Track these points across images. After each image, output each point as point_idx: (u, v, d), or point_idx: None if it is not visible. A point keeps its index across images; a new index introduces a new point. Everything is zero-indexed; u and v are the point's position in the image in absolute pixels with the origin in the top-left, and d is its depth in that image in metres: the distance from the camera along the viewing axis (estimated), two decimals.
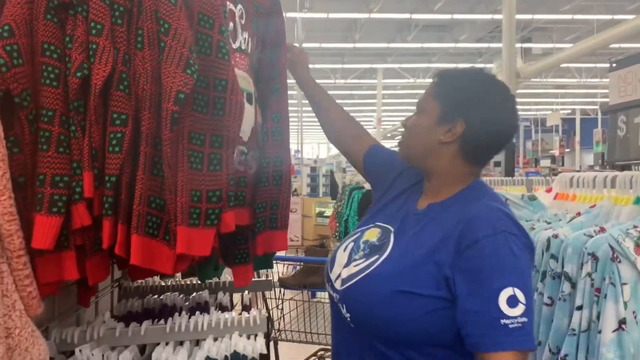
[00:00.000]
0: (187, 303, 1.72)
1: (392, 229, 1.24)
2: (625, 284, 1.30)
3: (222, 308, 1.71)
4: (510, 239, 1.08)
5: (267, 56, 1.49)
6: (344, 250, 1.28)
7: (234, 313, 1.42)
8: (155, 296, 1.73)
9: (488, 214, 1.12)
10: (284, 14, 1.55)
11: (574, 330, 1.41)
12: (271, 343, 3.68)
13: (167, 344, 1.25)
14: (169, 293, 1.75)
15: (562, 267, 1.52)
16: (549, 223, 1.76)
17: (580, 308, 1.41)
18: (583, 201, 1.77)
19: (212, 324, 1.31)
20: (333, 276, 1.25)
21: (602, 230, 1.47)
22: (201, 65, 1.10)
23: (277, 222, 1.46)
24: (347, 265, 1.23)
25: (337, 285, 1.22)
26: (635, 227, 1.31)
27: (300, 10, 11.61)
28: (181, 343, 1.27)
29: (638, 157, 2.74)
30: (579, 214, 1.66)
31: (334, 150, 36.63)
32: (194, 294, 1.74)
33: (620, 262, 1.30)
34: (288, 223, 1.48)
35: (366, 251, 1.23)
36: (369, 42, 14.74)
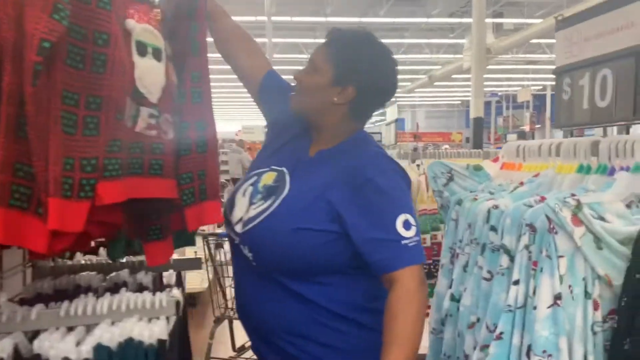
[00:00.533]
0: (104, 283, 1.58)
1: (286, 172, 1.36)
2: (561, 256, 1.21)
3: (142, 289, 1.58)
4: (394, 175, 1.30)
5: (184, 9, 1.34)
6: (243, 194, 1.37)
7: (141, 295, 1.29)
8: (71, 276, 1.59)
9: (374, 157, 1.34)
10: None
11: (510, 306, 1.31)
12: (226, 322, 3.60)
13: (57, 329, 1.12)
14: (85, 273, 1.61)
15: (502, 239, 1.43)
16: (492, 194, 1.67)
17: (517, 283, 1.32)
18: (529, 170, 1.68)
19: (112, 306, 1.18)
20: (234, 220, 1.35)
21: (543, 200, 1.37)
22: (78, 15, 0.96)
23: (206, 192, 1.33)
24: (247, 208, 1.33)
25: (238, 228, 1.32)
26: (573, 195, 1.22)
27: None
28: (72, 328, 1.14)
29: (583, 122, 2.65)
30: (522, 183, 1.57)
31: None
32: (113, 273, 1.60)
33: (556, 233, 1.21)
34: (219, 193, 1.35)
35: (264, 194, 1.34)
36: (341, 16, 14.48)
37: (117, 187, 1.07)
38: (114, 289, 1.57)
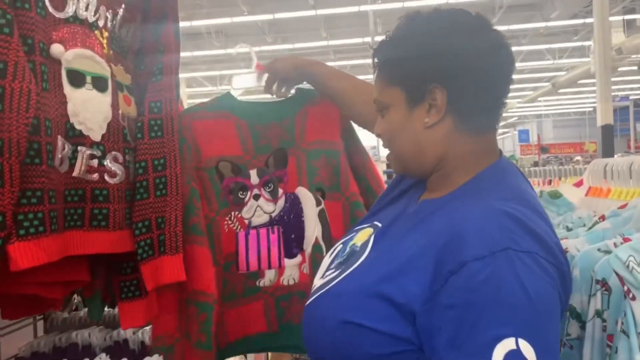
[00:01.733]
0: (106, 340, 1.42)
1: (376, 231, 0.96)
2: None
3: (144, 349, 1.40)
4: (519, 260, 0.71)
5: (151, 32, 1.16)
6: (330, 254, 1.03)
7: None
8: (73, 333, 1.45)
9: (485, 221, 0.76)
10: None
11: None
12: None
13: None
14: (90, 329, 1.47)
15: (570, 297, 1.04)
16: (569, 230, 1.27)
17: None
18: (618, 198, 1.26)
19: None
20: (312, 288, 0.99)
21: (627, 241, 0.98)
22: None
23: (164, 244, 1.12)
24: (322, 274, 0.98)
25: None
26: None
27: (372, 3, 11.17)
28: None
29: None
30: (603, 217, 1.16)
31: None
32: (116, 330, 1.44)
33: (634, 299, 0.82)
34: (180, 245, 1.13)
35: (344, 258, 0.95)
36: None
37: (42, 247, 0.89)
38: (114, 348, 1.41)
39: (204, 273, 1.21)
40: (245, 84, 1.46)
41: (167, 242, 1.11)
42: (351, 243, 0.98)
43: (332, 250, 1.05)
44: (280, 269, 1.35)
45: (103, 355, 1.24)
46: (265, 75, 1.41)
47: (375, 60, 0.96)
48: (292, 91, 1.45)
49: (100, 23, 1.04)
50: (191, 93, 17.70)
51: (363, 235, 0.98)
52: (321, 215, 1.39)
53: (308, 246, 1.37)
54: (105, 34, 1.05)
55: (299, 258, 1.37)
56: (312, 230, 1.37)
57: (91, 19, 1.02)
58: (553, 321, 0.71)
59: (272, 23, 12.47)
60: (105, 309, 1.60)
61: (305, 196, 1.38)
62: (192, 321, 1.22)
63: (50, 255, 0.90)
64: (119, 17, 1.09)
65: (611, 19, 10.45)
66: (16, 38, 0.84)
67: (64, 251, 0.94)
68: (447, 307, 0.72)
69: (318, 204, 1.39)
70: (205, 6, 11.02)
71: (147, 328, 1.46)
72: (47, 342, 1.42)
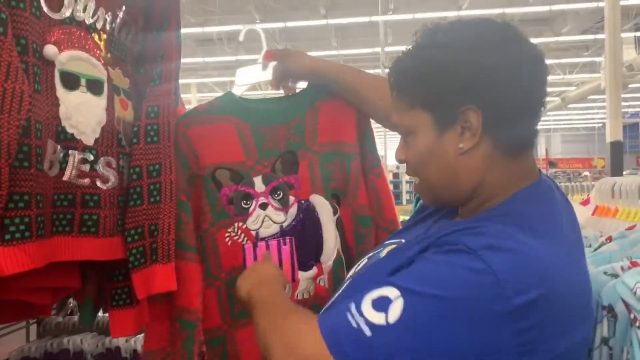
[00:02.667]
0: (98, 347, 1.39)
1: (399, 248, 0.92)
2: None
3: (136, 358, 1.37)
4: (471, 261, 0.69)
5: (152, 36, 1.13)
6: (356, 268, 1.01)
7: None
8: (65, 339, 1.43)
9: (495, 233, 0.74)
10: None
11: None
12: None
13: None
14: (82, 335, 1.44)
15: None
16: None
17: None
18: (626, 218, 1.22)
19: None
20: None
21: (634, 266, 0.94)
22: None
23: (157, 252, 1.09)
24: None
25: None
26: None
27: (383, 13, 11.16)
28: None
29: None
30: (609, 238, 1.12)
31: None
32: (108, 337, 1.42)
33: None
34: (172, 254, 1.10)
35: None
36: None
37: (27, 252, 0.86)
38: (106, 355, 1.38)
39: (189, 288, 1.15)
40: (249, 80, 1.30)
41: (160, 250, 1.09)
42: (381, 256, 0.94)
43: (356, 265, 1.02)
44: (294, 283, 1.24)
45: None
46: (271, 65, 1.28)
47: (392, 79, 0.88)
48: (301, 84, 1.33)
49: (99, 25, 1.01)
50: (201, 98, 17.75)
51: (387, 252, 0.94)
52: (338, 224, 1.28)
53: (329, 259, 1.26)
54: (104, 37, 1.03)
55: (314, 270, 1.26)
56: (333, 242, 1.27)
57: (89, 21, 1.00)
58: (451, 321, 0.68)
59: (283, 31, 12.49)
60: (100, 314, 1.58)
61: (321, 204, 1.26)
62: (176, 338, 1.16)
63: (35, 261, 0.87)
64: (118, 19, 1.06)
65: (623, 35, 10.40)
66: (10, 38, 0.82)
67: (51, 257, 0.92)
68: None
69: (335, 212, 1.28)
70: (217, 13, 11.06)
71: (140, 336, 1.43)
72: (39, 347, 1.40)
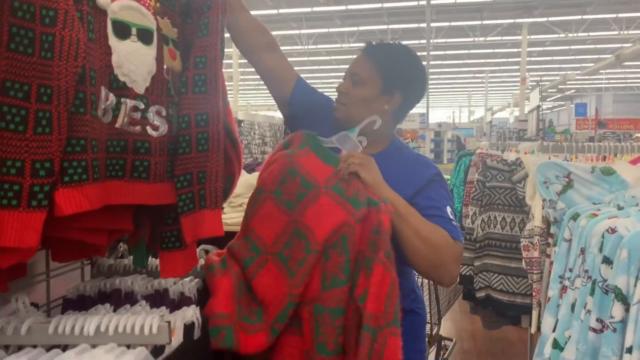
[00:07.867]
0: (147, 288, 1.47)
1: None
2: None
3: (184, 299, 1.44)
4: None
5: None
6: None
7: (141, 315, 1.12)
8: (117, 280, 1.51)
9: (422, 157, 1.59)
10: None
11: None
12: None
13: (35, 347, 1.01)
14: (130, 276, 1.52)
15: (615, 278, 1.00)
16: (620, 209, 1.21)
17: (630, 351, 0.90)
18: None
19: (101, 328, 1.04)
20: None
21: None
22: None
23: (205, 198, 1.13)
24: None
25: None
26: None
27: None
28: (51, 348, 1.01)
29: None
30: None
31: (478, 116, 34.53)
32: (158, 279, 1.48)
33: None
34: (220, 201, 1.14)
35: None
36: None
37: (85, 194, 0.91)
38: (154, 296, 1.46)
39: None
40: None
41: (207, 196, 1.13)
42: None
43: None
44: None
45: (143, 302, 1.29)
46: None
47: (373, 49, 1.50)
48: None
49: None
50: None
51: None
52: None
53: None
54: None
55: None
56: None
57: None
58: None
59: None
60: (150, 259, 1.66)
61: None
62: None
63: (92, 202, 0.92)
64: None
65: None
66: None
67: (105, 200, 0.97)
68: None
69: None
70: None
71: (187, 279, 1.50)
72: (93, 286, 1.48)
